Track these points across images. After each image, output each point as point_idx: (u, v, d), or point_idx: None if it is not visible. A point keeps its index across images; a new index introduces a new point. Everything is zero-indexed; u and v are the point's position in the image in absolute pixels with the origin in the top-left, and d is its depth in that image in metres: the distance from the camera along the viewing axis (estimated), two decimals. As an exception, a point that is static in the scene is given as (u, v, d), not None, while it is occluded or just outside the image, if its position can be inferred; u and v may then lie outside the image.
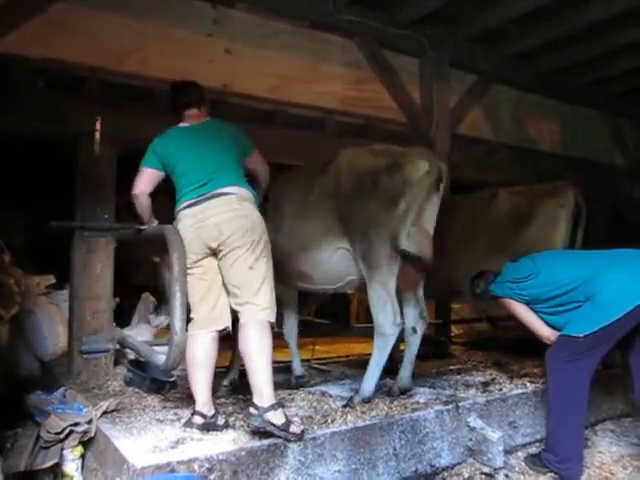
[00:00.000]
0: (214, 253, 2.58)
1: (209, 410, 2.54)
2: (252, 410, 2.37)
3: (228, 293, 2.60)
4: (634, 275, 2.71)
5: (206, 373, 2.57)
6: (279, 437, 2.33)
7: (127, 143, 3.58)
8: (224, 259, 2.55)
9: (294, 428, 2.39)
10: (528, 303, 3.00)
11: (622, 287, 2.68)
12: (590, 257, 2.97)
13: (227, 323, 2.63)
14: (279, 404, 2.41)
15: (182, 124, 2.86)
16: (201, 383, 2.57)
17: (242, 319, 2.50)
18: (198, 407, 2.54)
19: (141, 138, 3.72)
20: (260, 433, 2.39)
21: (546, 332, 2.96)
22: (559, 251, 3.45)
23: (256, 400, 2.39)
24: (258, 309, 2.48)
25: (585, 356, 2.73)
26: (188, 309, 2.62)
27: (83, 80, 3.55)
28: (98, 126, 3.39)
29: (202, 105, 2.92)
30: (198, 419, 2.50)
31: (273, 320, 2.52)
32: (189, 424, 2.50)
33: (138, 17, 3.66)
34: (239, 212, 2.56)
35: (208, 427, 2.48)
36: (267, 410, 2.34)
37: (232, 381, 3.45)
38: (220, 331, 2.62)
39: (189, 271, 2.61)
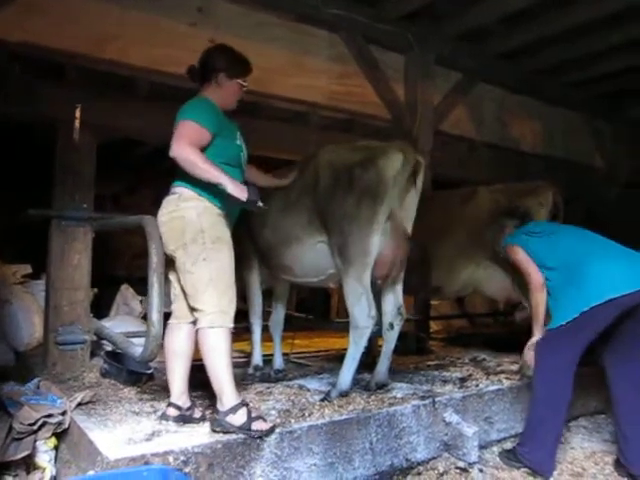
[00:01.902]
0: None
1: (184, 402, 2.52)
2: (216, 416, 2.39)
3: None
4: (619, 267, 2.74)
5: (182, 364, 2.55)
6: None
7: (107, 131, 3.54)
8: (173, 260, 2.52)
9: (259, 425, 2.36)
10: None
11: (605, 276, 2.71)
12: (589, 241, 3.00)
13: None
14: (240, 405, 2.37)
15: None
16: (176, 374, 2.54)
17: (196, 325, 2.45)
18: (173, 399, 2.52)
19: (121, 127, 3.72)
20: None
21: (538, 277, 3.00)
22: (581, 229, 3.32)
23: (217, 405, 2.39)
24: (203, 315, 2.40)
25: (568, 347, 2.77)
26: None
27: (63, 66, 3.49)
28: (78, 114, 3.35)
29: (206, 79, 2.65)
30: (173, 411, 2.49)
31: (224, 325, 2.39)
32: (164, 416, 2.49)
33: (120, 4, 3.60)
34: (173, 214, 2.48)
35: (184, 419, 2.47)
36: (227, 414, 2.35)
37: (256, 367, 3.49)
38: (192, 323, 2.56)
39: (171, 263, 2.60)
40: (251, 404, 2.61)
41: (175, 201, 2.50)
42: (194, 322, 2.55)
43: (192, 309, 2.47)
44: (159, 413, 2.57)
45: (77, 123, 3.34)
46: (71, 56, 3.48)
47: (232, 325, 2.44)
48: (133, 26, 3.66)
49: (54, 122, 3.43)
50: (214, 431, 2.35)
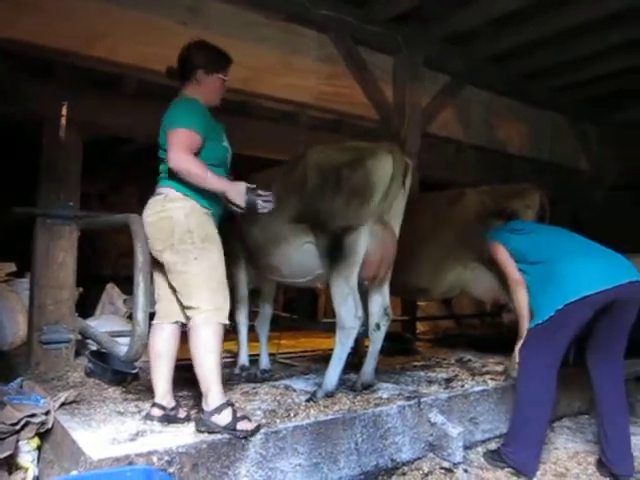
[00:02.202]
0: None
1: (169, 402, 2.51)
2: (200, 415, 2.39)
3: None
4: (594, 264, 2.78)
5: (166, 364, 2.53)
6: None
7: (93, 129, 3.51)
8: (160, 261, 2.50)
9: (244, 425, 2.36)
10: (511, 255, 3.12)
11: (580, 274, 2.74)
12: (567, 240, 3.06)
13: (180, 318, 2.55)
14: (225, 405, 2.37)
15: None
16: (161, 374, 2.53)
17: (188, 323, 2.44)
18: (157, 399, 2.51)
19: (108, 124, 3.70)
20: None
21: (516, 275, 3.07)
22: (561, 228, 3.41)
23: (203, 405, 2.39)
24: (197, 312, 2.39)
25: (547, 347, 2.80)
26: None
27: (51, 64, 3.46)
28: (64, 111, 3.32)
29: (186, 77, 2.63)
30: (157, 411, 2.47)
31: (215, 322, 2.39)
32: (149, 416, 2.47)
33: (111, 2, 3.57)
34: (160, 215, 2.46)
35: (169, 419, 2.46)
36: (212, 414, 2.34)
37: (242, 367, 3.49)
38: (182, 324, 2.56)
39: (154, 262, 2.59)
40: (237, 404, 2.62)
41: (161, 201, 2.48)
42: (178, 322, 2.55)
43: (185, 308, 2.44)
44: (143, 413, 2.55)
45: (63, 120, 3.32)
46: (60, 54, 3.45)
47: (227, 322, 2.44)
48: (123, 24, 3.63)
49: (41, 119, 3.40)
50: (199, 431, 2.35)
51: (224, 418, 2.34)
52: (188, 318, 2.45)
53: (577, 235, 3.09)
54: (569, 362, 3.79)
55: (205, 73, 2.62)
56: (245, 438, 2.33)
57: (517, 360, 2.96)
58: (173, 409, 2.51)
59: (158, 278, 2.60)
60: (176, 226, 2.43)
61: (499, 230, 3.28)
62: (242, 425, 2.35)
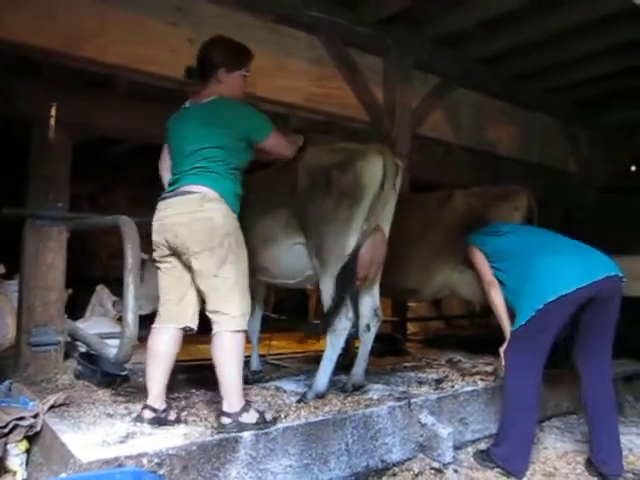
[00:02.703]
0: (178, 253, 2.49)
1: (160, 405, 2.50)
2: (224, 419, 2.39)
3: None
4: (570, 262, 2.82)
5: (161, 367, 2.52)
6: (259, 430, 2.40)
7: (83, 130, 3.49)
8: (188, 263, 2.46)
9: (268, 417, 2.48)
10: (487, 256, 3.18)
11: (558, 273, 2.78)
12: (543, 239, 3.12)
13: (189, 323, 2.55)
14: (248, 404, 2.44)
15: (187, 102, 2.69)
16: (155, 376, 2.52)
17: (213, 327, 2.43)
18: (149, 401, 2.49)
19: (98, 126, 3.68)
20: (212, 427, 2.41)
21: (489, 277, 3.16)
22: (537, 228, 3.59)
23: (226, 408, 2.39)
24: (227, 318, 2.39)
25: (531, 347, 2.83)
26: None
27: (39, 63, 3.44)
28: (53, 112, 3.30)
29: (206, 77, 2.63)
30: (148, 413, 2.46)
31: (244, 328, 2.43)
32: (139, 418, 2.46)
33: (100, 2, 3.56)
34: (197, 215, 2.40)
35: (159, 422, 2.45)
36: (240, 414, 2.38)
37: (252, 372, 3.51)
38: (183, 329, 2.56)
39: (158, 264, 2.57)
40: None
41: (198, 201, 2.41)
42: (185, 327, 2.54)
43: (211, 312, 2.43)
44: (134, 415, 2.54)
45: (52, 121, 3.30)
46: (49, 54, 3.42)
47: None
48: (112, 24, 3.61)
49: (30, 120, 3.38)
50: (223, 432, 2.35)
51: (252, 415, 2.40)
52: (204, 322, 2.46)
53: (554, 234, 3.14)
54: (556, 363, 3.85)
55: (226, 71, 2.62)
56: (273, 425, 2.45)
57: (503, 362, 2.99)
58: (164, 411, 2.50)
59: (168, 280, 2.56)
60: (216, 229, 2.40)
61: (476, 233, 3.32)
62: (268, 417, 2.47)
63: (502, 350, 3.01)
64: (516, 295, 2.95)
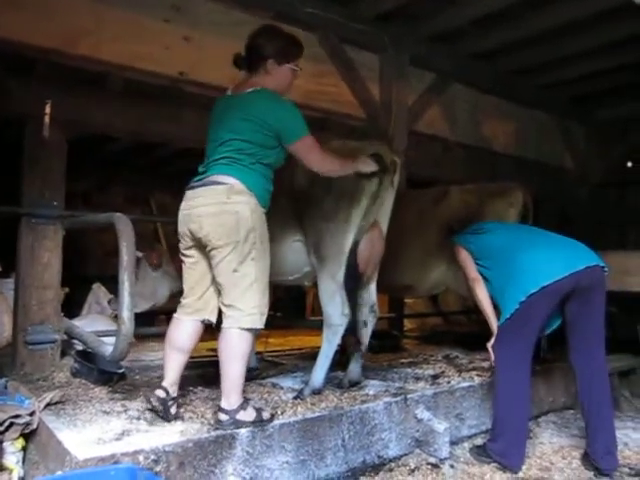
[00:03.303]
0: (202, 245, 2.45)
1: (174, 392, 2.51)
2: (222, 416, 2.38)
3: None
4: (551, 254, 2.87)
5: (179, 356, 2.53)
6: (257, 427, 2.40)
7: (78, 128, 3.48)
8: (209, 255, 2.43)
9: (266, 414, 2.46)
10: (472, 254, 3.22)
11: (538, 265, 2.82)
12: (523, 234, 3.19)
13: (210, 316, 2.54)
14: (246, 401, 2.44)
15: (229, 90, 2.62)
16: (172, 365, 2.52)
17: (224, 322, 2.40)
18: (165, 383, 2.50)
19: (92, 123, 3.68)
20: (209, 424, 2.42)
21: (473, 274, 3.19)
22: (514, 224, 3.66)
23: (224, 405, 2.39)
24: (241, 314, 2.36)
25: (517, 341, 2.86)
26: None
27: (33, 61, 3.43)
28: (48, 109, 3.29)
29: (254, 67, 2.56)
30: (161, 392, 2.46)
31: (259, 326, 2.40)
32: (153, 395, 2.46)
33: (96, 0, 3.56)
34: (224, 207, 2.34)
35: (164, 407, 2.44)
36: (237, 411, 2.37)
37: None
38: (202, 321, 2.55)
39: (182, 257, 2.56)
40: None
41: (225, 192, 2.36)
42: (205, 320, 2.54)
43: (226, 306, 2.40)
44: (130, 412, 2.55)
45: (47, 119, 3.29)
46: (44, 52, 3.41)
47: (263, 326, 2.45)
48: (107, 22, 3.61)
49: (24, 118, 3.37)
50: (219, 429, 2.35)
51: (249, 413, 2.40)
52: (220, 315, 2.44)
53: (537, 229, 3.22)
54: (545, 357, 3.88)
55: (276, 63, 2.57)
56: (270, 423, 2.44)
57: (492, 357, 3.01)
58: (173, 399, 2.50)
59: (193, 275, 2.54)
60: (242, 222, 2.35)
61: (461, 233, 3.36)
62: (265, 415, 2.45)
63: (490, 345, 3.04)
64: (501, 291, 2.98)
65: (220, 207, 2.36)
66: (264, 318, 2.43)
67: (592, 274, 2.81)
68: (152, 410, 2.49)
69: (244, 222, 2.36)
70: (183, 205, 2.50)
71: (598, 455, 2.88)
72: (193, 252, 2.51)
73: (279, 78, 2.60)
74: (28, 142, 3.35)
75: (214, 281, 2.49)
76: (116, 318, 3.11)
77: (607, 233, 6.68)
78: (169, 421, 2.45)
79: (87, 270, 6.68)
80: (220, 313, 2.49)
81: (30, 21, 3.33)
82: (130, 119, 3.75)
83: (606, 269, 2.87)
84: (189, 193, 2.49)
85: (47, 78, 3.43)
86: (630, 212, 7.27)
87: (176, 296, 2.72)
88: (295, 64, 2.65)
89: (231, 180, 2.40)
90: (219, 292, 2.48)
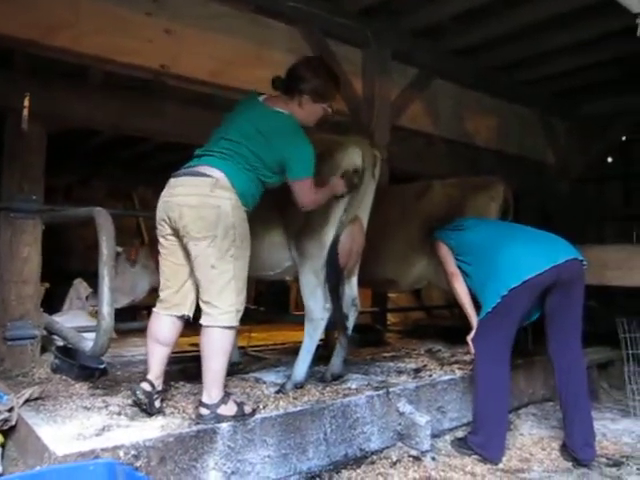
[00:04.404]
0: (179, 235, 2.44)
1: (159, 385, 2.51)
2: (203, 410, 2.38)
3: None
4: (531, 248, 2.91)
5: (162, 349, 2.53)
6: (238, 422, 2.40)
7: (58, 121, 3.44)
8: (187, 248, 2.41)
9: (247, 408, 2.47)
10: (451, 250, 3.26)
11: (519, 259, 2.86)
12: (503, 230, 3.24)
13: (188, 312, 2.54)
14: (227, 395, 2.44)
15: (264, 95, 2.70)
16: (155, 356, 2.52)
17: (202, 318, 2.40)
18: (150, 376, 2.50)
19: (73, 116, 3.64)
20: (190, 419, 2.41)
21: (452, 269, 3.24)
22: (493, 220, 3.72)
23: (205, 399, 2.39)
24: (218, 312, 2.36)
25: (497, 334, 2.91)
26: None
27: (11, 53, 3.38)
28: (27, 102, 3.25)
29: (289, 93, 2.65)
30: (147, 385, 2.46)
31: (234, 324, 2.40)
32: (138, 388, 2.45)
33: (74, -9, 3.51)
34: (206, 200, 2.34)
35: (149, 400, 2.44)
36: (218, 405, 2.37)
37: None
38: (181, 317, 2.54)
39: (159, 247, 2.56)
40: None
41: (209, 185, 2.36)
42: (184, 315, 2.53)
43: (203, 302, 2.41)
44: (111, 408, 2.53)
45: (26, 112, 3.24)
46: (21, 43, 3.36)
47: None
48: (87, 14, 3.56)
49: (2, 111, 3.32)
50: (200, 424, 2.35)
51: (230, 408, 2.40)
52: (198, 310, 2.44)
53: (516, 224, 3.29)
54: (529, 350, 3.93)
55: (311, 100, 2.65)
56: (252, 417, 2.44)
57: (472, 350, 3.04)
58: (158, 393, 2.50)
59: (168, 266, 2.53)
60: (222, 218, 2.34)
61: (441, 229, 3.39)
62: (247, 409, 2.45)
63: (469, 338, 3.07)
64: (482, 285, 3.01)
65: (202, 199, 2.36)
66: (240, 315, 2.43)
67: (572, 267, 2.85)
68: (136, 403, 2.48)
69: (224, 218, 2.36)
70: (164, 192, 2.49)
71: (576, 446, 2.93)
72: (170, 241, 2.50)
73: (309, 113, 2.70)
74: (7, 135, 3.31)
75: (192, 274, 2.48)
76: (95, 314, 3.09)
77: (586, 228, 6.77)
78: (152, 414, 2.44)
79: (69, 265, 6.62)
80: (199, 308, 2.48)
81: (7, 12, 3.27)
82: (111, 112, 3.72)
83: (585, 263, 2.91)
84: (172, 181, 2.49)
85: (26, 71, 3.40)
86: (608, 207, 7.39)
87: (156, 291, 2.71)
88: (329, 104, 2.74)
89: (218, 174, 2.40)
90: (197, 287, 2.47)
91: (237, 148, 2.48)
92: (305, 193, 2.60)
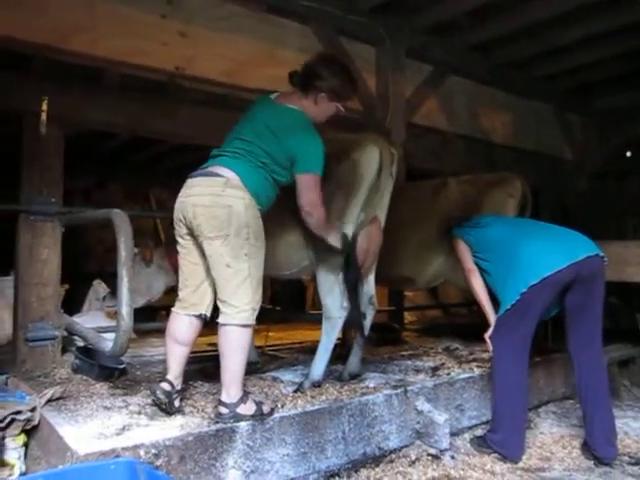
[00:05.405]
0: (194, 234, 2.47)
1: (178, 384, 2.54)
2: (222, 409, 2.40)
3: None
4: (551, 245, 2.89)
5: (181, 349, 2.56)
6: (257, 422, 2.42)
7: (75, 123, 3.47)
8: (202, 247, 2.44)
9: (266, 408, 2.47)
10: (470, 247, 3.25)
11: (539, 256, 2.84)
12: (522, 227, 3.23)
13: (206, 311, 2.56)
14: (246, 394, 2.45)
15: (276, 94, 2.72)
16: (174, 356, 2.55)
17: (220, 317, 2.42)
18: (169, 376, 2.53)
19: (90, 119, 3.67)
20: (209, 418, 2.43)
21: (469, 265, 3.23)
22: (512, 217, 3.70)
23: (224, 398, 2.40)
24: (235, 311, 2.37)
25: (516, 331, 2.88)
26: None
27: (29, 58, 3.42)
28: (45, 106, 3.28)
29: (305, 90, 2.63)
30: (166, 385, 2.49)
31: (251, 322, 2.42)
32: (158, 387, 2.48)
33: (90, -4, 3.55)
34: (217, 199, 2.37)
35: (169, 400, 2.46)
36: (237, 405, 2.39)
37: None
38: (199, 316, 2.57)
39: (178, 247, 2.59)
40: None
41: (221, 185, 2.39)
42: (202, 315, 2.56)
43: (220, 301, 2.43)
44: (131, 407, 2.56)
45: (44, 115, 3.27)
46: (39, 47, 3.40)
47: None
48: (103, 18, 3.59)
49: (21, 114, 3.36)
50: (219, 423, 2.36)
51: (249, 407, 2.41)
52: (215, 310, 2.46)
53: (534, 221, 3.26)
54: (549, 347, 3.89)
55: (327, 98, 2.66)
56: (270, 416, 2.45)
57: (489, 348, 3.02)
58: (177, 393, 2.53)
59: (186, 266, 2.56)
60: (234, 217, 2.36)
61: (459, 226, 3.37)
62: (265, 408, 2.46)
63: (487, 336, 3.05)
64: (501, 283, 2.99)
65: (213, 199, 2.39)
66: (256, 313, 2.45)
67: (592, 264, 2.82)
68: (156, 402, 2.50)
69: (236, 216, 2.37)
70: (181, 193, 2.53)
71: (597, 444, 2.90)
72: (187, 240, 2.54)
73: (323, 111, 2.70)
74: (26, 139, 3.34)
75: (209, 274, 2.50)
76: (112, 314, 3.12)
77: (606, 223, 6.68)
78: (171, 414, 2.46)
79: (88, 267, 6.70)
80: (217, 308, 2.50)
81: (24, 17, 3.32)
82: (127, 114, 3.74)
83: (605, 259, 2.88)
84: (189, 181, 2.53)
85: (44, 75, 3.43)
86: (629, 202, 7.27)
87: (172, 291, 2.74)
88: (343, 104, 2.74)
89: (229, 174, 2.43)
90: (214, 286, 2.50)
91: (249, 147, 2.51)
92: (309, 188, 2.56)
